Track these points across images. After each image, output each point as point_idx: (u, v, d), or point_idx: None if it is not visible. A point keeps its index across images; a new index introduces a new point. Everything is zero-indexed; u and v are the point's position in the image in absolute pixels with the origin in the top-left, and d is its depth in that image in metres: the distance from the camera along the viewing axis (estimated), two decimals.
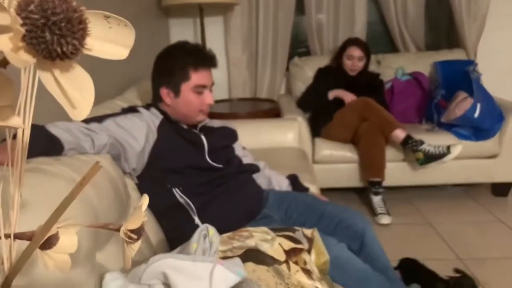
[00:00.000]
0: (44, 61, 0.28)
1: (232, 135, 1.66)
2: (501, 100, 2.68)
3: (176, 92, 1.43)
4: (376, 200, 2.50)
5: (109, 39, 0.30)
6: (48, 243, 0.45)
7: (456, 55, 3.03)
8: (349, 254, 1.28)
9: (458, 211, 2.58)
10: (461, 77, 2.63)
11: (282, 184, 1.68)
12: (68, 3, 0.28)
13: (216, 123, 1.66)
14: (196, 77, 1.41)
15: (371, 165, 2.47)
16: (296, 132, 2.41)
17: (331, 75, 2.89)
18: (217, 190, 1.42)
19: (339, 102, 2.68)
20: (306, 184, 1.78)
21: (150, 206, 1.39)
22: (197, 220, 1.37)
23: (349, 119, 2.51)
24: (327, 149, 2.62)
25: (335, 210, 1.47)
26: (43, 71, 0.28)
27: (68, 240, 0.45)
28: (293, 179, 1.73)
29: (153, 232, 1.37)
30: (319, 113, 2.81)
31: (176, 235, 1.36)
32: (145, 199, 0.42)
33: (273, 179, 1.67)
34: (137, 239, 0.40)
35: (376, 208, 2.48)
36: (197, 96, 1.43)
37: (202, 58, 1.43)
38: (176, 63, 1.43)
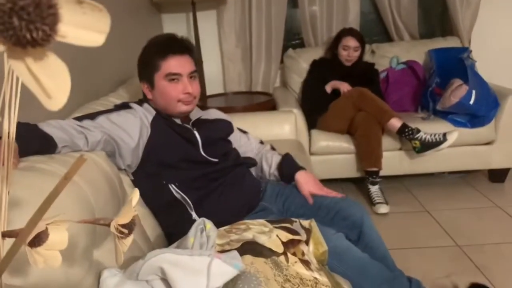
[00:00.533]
0: (14, 49, 0.26)
1: (227, 127, 1.65)
2: (496, 86, 2.68)
3: (151, 84, 1.42)
4: (374, 189, 2.51)
5: (84, 25, 0.29)
6: (38, 240, 0.44)
7: (450, 42, 3.03)
8: (348, 243, 1.28)
9: (456, 198, 2.59)
10: (455, 65, 2.63)
11: (271, 161, 1.63)
12: None
13: (212, 114, 1.65)
14: (166, 65, 1.38)
15: (368, 155, 2.47)
16: (293, 124, 2.40)
17: (326, 66, 2.88)
18: (213, 184, 1.42)
19: (335, 92, 2.68)
20: None
21: (147, 202, 1.40)
22: (194, 215, 1.37)
23: (345, 109, 2.50)
24: (324, 141, 2.62)
25: (333, 200, 1.47)
26: (15, 59, 0.27)
27: (58, 236, 0.45)
28: (286, 158, 1.64)
29: (151, 228, 1.37)
30: (315, 105, 2.81)
31: (174, 230, 1.36)
32: (136, 194, 0.41)
33: (263, 157, 1.66)
34: (129, 234, 0.39)
35: (374, 197, 2.49)
36: (172, 85, 1.39)
37: (170, 45, 1.40)
38: (147, 55, 1.42)
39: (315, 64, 2.94)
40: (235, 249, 0.96)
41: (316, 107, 2.70)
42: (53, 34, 0.27)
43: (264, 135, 2.31)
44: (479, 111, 2.48)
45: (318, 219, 1.44)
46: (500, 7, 3.19)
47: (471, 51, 2.80)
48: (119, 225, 0.40)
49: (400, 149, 2.60)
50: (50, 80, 0.28)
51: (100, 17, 0.29)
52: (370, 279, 1.24)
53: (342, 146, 2.61)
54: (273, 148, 1.75)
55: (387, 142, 2.53)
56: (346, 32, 2.82)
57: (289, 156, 1.65)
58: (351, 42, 2.76)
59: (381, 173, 2.51)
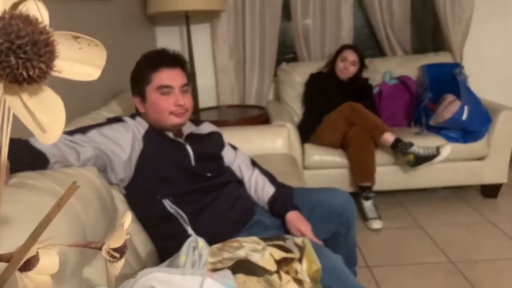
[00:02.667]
0: (10, 85, 0.26)
1: (220, 141, 1.64)
2: (488, 102, 2.70)
3: (143, 97, 1.42)
4: (367, 204, 2.50)
5: (80, 60, 0.29)
6: (28, 265, 0.43)
7: (442, 58, 3.05)
8: (346, 267, 1.28)
9: (449, 214, 2.59)
10: (448, 80, 2.65)
11: (262, 194, 1.57)
12: (33, 26, 0.26)
13: (205, 128, 1.64)
14: (157, 78, 1.38)
15: (361, 169, 2.46)
16: (286, 138, 2.40)
17: (322, 80, 2.89)
18: (207, 198, 1.40)
19: (331, 107, 2.66)
20: None
21: (139, 216, 1.38)
22: (190, 230, 1.35)
23: (337, 124, 2.51)
24: (317, 155, 2.62)
25: (327, 197, 1.56)
26: (10, 95, 0.27)
27: (49, 261, 0.44)
28: (278, 196, 1.56)
29: (142, 243, 1.35)
30: (308, 119, 2.81)
31: (168, 244, 1.33)
32: (128, 216, 0.40)
33: (252, 188, 1.60)
34: (120, 257, 0.38)
35: (367, 212, 2.48)
36: (163, 97, 1.39)
37: (161, 58, 1.41)
38: (140, 69, 1.43)
39: (313, 77, 2.94)
40: (228, 267, 0.95)
41: (309, 121, 2.71)
42: (49, 70, 0.26)
43: (257, 149, 2.31)
44: (472, 127, 2.49)
45: (315, 218, 1.51)
46: (491, 23, 3.24)
47: (463, 67, 2.83)
48: (110, 248, 0.38)
49: (394, 164, 2.60)
50: (45, 115, 0.27)
51: (96, 52, 0.29)
52: None
53: (336, 160, 2.61)
54: (262, 170, 1.66)
55: (380, 157, 2.53)
56: (348, 46, 2.87)
57: (281, 192, 1.56)
58: (350, 55, 2.78)
59: (375, 188, 2.51)
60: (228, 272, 0.86)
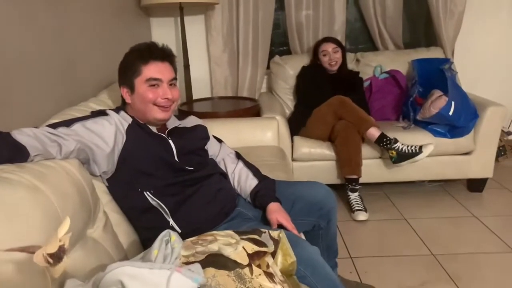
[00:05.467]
0: None
1: (205, 134, 1.68)
2: (476, 97, 2.73)
3: (132, 88, 1.44)
4: (353, 196, 2.55)
5: None
6: None
7: (433, 53, 3.07)
8: (322, 259, 1.32)
9: (434, 207, 2.64)
10: (437, 75, 2.67)
11: (245, 186, 1.61)
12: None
13: (189, 122, 1.67)
14: (147, 70, 1.42)
15: (347, 162, 2.50)
16: (275, 130, 2.43)
17: (314, 73, 2.91)
18: (189, 190, 1.44)
19: (321, 99, 2.68)
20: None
21: (122, 208, 1.42)
22: (171, 222, 1.39)
23: (325, 117, 2.54)
24: (306, 147, 2.65)
25: (308, 191, 1.62)
26: None
27: None
28: (260, 189, 1.59)
29: (125, 234, 1.39)
30: (299, 112, 2.84)
31: (151, 236, 1.36)
32: (65, 223, 0.43)
33: (235, 181, 1.64)
34: (58, 262, 0.41)
35: (353, 204, 2.52)
36: (151, 89, 1.42)
37: (152, 51, 1.44)
38: (129, 61, 1.46)
39: (306, 69, 2.96)
40: (200, 261, 0.98)
41: (298, 114, 2.74)
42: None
43: (247, 141, 2.35)
44: (458, 122, 2.52)
45: (296, 211, 1.56)
46: (483, 19, 3.25)
47: (452, 63, 2.85)
48: (48, 254, 0.41)
49: (380, 157, 2.64)
50: None
51: None
52: None
53: (324, 153, 2.64)
54: (246, 163, 1.69)
55: (367, 150, 2.57)
56: (321, 40, 2.91)
57: (264, 185, 1.59)
58: (328, 46, 2.81)
59: (361, 180, 2.55)
60: (197, 266, 0.90)
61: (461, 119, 2.52)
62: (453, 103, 2.47)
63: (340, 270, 1.87)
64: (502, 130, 3.16)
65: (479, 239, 2.26)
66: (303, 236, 1.58)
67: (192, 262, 0.97)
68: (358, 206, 2.50)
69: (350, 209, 2.54)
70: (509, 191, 2.83)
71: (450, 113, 2.47)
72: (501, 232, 2.30)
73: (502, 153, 3.19)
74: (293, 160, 2.66)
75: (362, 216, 2.47)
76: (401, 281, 1.93)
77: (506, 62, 3.34)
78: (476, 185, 2.80)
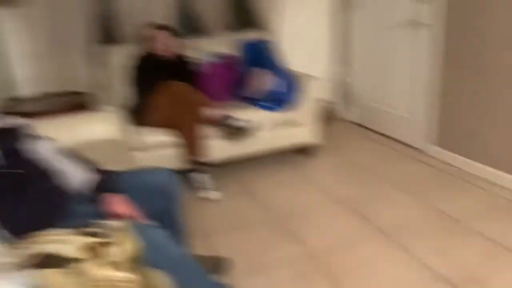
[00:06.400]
0: None
1: (27, 134, 1.55)
2: (299, 73, 3.01)
3: None
4: (202, 178, 2.61)
5: None
6: None
7: (258, 34, 3.27)
8: (165, 240, 1.33)
9: (276, 176, 2.88)
10: (262, 55, 2.87)
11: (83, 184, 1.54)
12: None
13: (12, 121, 1.54)
14: None
15: (191, 146, 2.55)
16: (111, 123, 2.34)
17: (148, 60, 2.86)
18: (15, 194, 1.32)
19: (156, 87, 2.65)
20: None
21: None
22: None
23: (162, 104, 2.55)
24: (147, 136, 2.62)
25: (150, 177, 1.65)
26: None
27: None
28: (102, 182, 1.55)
29: None
30: (136, 102, 2.79)
31: None
32: None
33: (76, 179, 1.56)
34: None
35: (203, 185, 2.59)
36: None
37: None
38: None
39: (138, 57, 2.89)
40: (34, 264, 0.93)
41: (137, 104, 2.70)
42: None
43: (81, 137, 2.22)
44: (284, 97, 2.76)
45: (141, 199, 1.53)
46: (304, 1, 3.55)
47: (273, 42, 3.08)
48: None
49: (221, 137, 2.74)
50: None
51: None
52: (189, 273, 1.34)
53: (166, 140, 2.64)
54: (79, 158, 1.62)
55: (208, 131, 2.64)
56: (151, 27, 2.90)
57: (101, 178, 1.55)
58: (159, 33, 2.84)
59: (208, 161, 2.62)
60: (29, 271, 0.85)
61: (286, 94, 2.76)
62: (276, 79, 2.69)
63: (196, 248, 1.90)
64: (324, 100, 3.54)
65: (311, 198, 2.56)
66: (150, 222, 1.58)
67: (25, 267, 0.91)
68: (208, 186, 2.58)
69: (201, 191, 2.59)
70: (337, 153, 3.22)
71: (275, 88, 2.68)
72: (330, 187, 2.65)
73: (327, 120, 3.59)
74: (136, 150, 2.60)
75: (213, 195, 2.56)
76: (251, 250, 2.06)
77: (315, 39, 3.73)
78: (309, 151, 3.13)
